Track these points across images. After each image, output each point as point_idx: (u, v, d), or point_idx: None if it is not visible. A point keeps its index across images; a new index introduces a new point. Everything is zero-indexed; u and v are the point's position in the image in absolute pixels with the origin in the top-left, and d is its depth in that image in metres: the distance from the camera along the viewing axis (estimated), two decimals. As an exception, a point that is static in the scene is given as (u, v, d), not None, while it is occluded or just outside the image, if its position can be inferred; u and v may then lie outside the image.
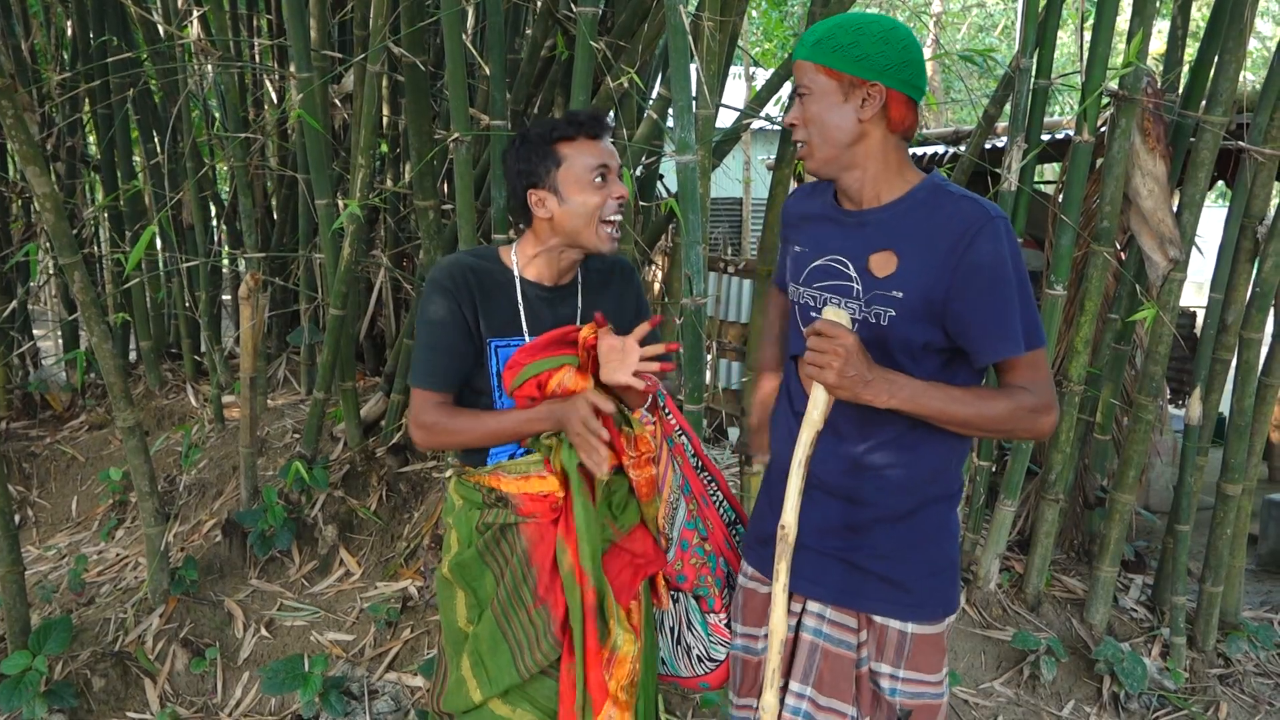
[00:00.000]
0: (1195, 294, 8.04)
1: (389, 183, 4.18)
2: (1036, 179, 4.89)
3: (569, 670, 1.85)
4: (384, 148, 4.35)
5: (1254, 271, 3.33)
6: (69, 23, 4.73)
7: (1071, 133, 3.32)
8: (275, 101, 4.52)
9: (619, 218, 1.87)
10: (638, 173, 3.41)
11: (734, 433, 5.22)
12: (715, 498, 2.00)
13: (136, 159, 4.84)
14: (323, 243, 3.58)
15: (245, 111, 4.52)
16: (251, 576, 3.37)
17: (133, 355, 5.21)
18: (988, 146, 4.62)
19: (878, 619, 1.74)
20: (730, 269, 5.65)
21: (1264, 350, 3.45)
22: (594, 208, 1.83)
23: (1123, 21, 3.62)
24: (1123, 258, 3.54)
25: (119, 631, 3.10)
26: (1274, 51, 3.25)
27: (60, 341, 5.52)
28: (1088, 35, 3.17)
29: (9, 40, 4.53)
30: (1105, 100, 3.21)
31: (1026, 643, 3.18)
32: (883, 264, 1.65)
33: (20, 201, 4.95)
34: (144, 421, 4.25)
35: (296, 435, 3.92)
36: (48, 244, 4.50)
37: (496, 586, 1.92)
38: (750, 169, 11.81)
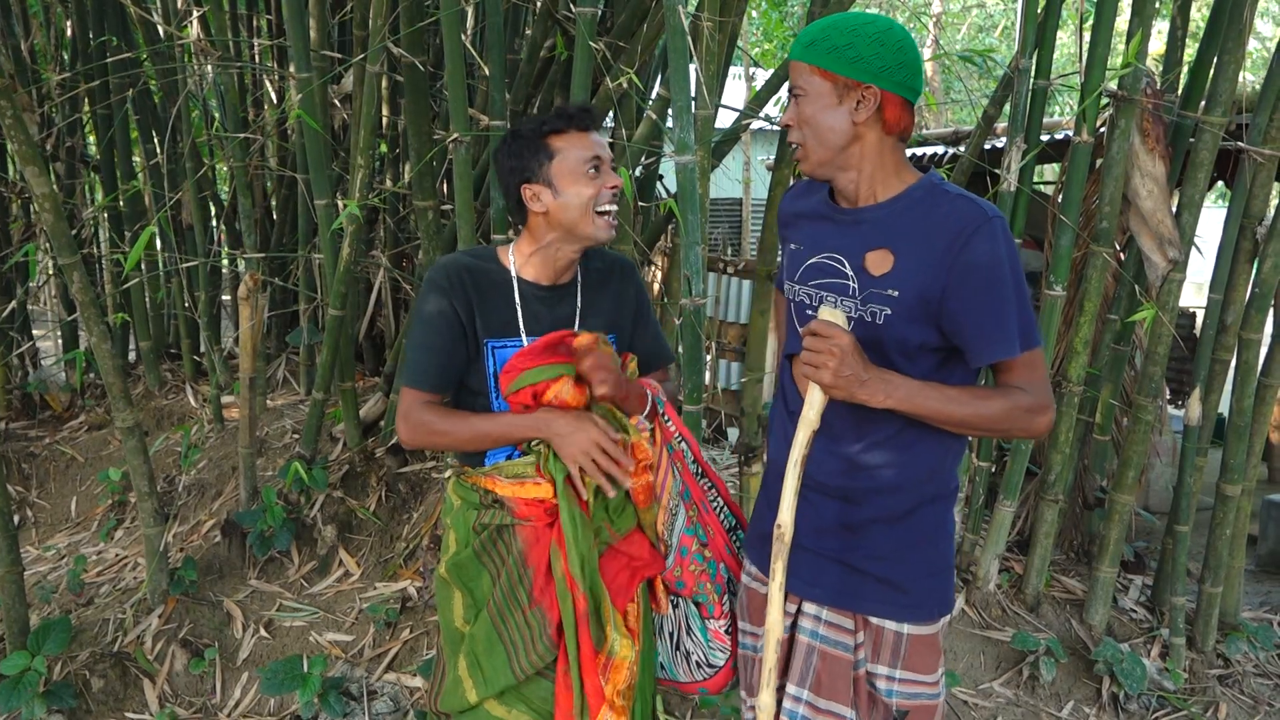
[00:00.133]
0: (1195, 294, 8.04)
1: (388, 183, 4.18)
2: (1036, 179, 4.89)
3: (565, 674, 1.85)
4: (383, 148, 4.35)
5: (1253, 272, 3.33)
6: (69, 23, 4.73)
7: (1071, 133, 3.32)
8: (275, 102, 4.52)
9: (614, 207, 1.87)
10: (637, 173, 3.40)
11: (733, 433, 5.22)
12: (715, 504, 2.00)
13: (136, 159, 4.84)
14: (322, 243, 3.58)
15: (245, 112, 4.52)
16: (250, 577, 3.36)
17: (132, 355, 5.21)
18: (987, 147, 4.62)
19: (874, 620, 1.74)
20: (730, 269, 5.65)
21: (1263, 351, 3.45)
22: (589, 198, 1.84)
23: (1122, 22, 3.62)
24: (1122, 258, 3.54)
25: (118, 632, 3.10)
26: (1273, 52, 3.25)
27: (60, 342, 5.52)
28: (1087, 36, 3.17)
29: (9, 40, 4.53)
30: (1105, 101, 3.21)
31: (1026, 643, 3.18)
32: (879, 262, 1.64)
33: (20, 201, 4.95)
34: (143, 422, 4.25)
35: (296, 436, 3.92)
36: (47, 244, 4.50)
37: (493, 587, 1.91)
38: (750, 169, 11.81)
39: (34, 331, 5.34)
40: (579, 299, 1.96)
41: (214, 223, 4.88)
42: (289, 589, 3.33)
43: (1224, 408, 3.59)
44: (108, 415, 4.55)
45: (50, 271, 5.22)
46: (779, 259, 1.93)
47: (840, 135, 1.64)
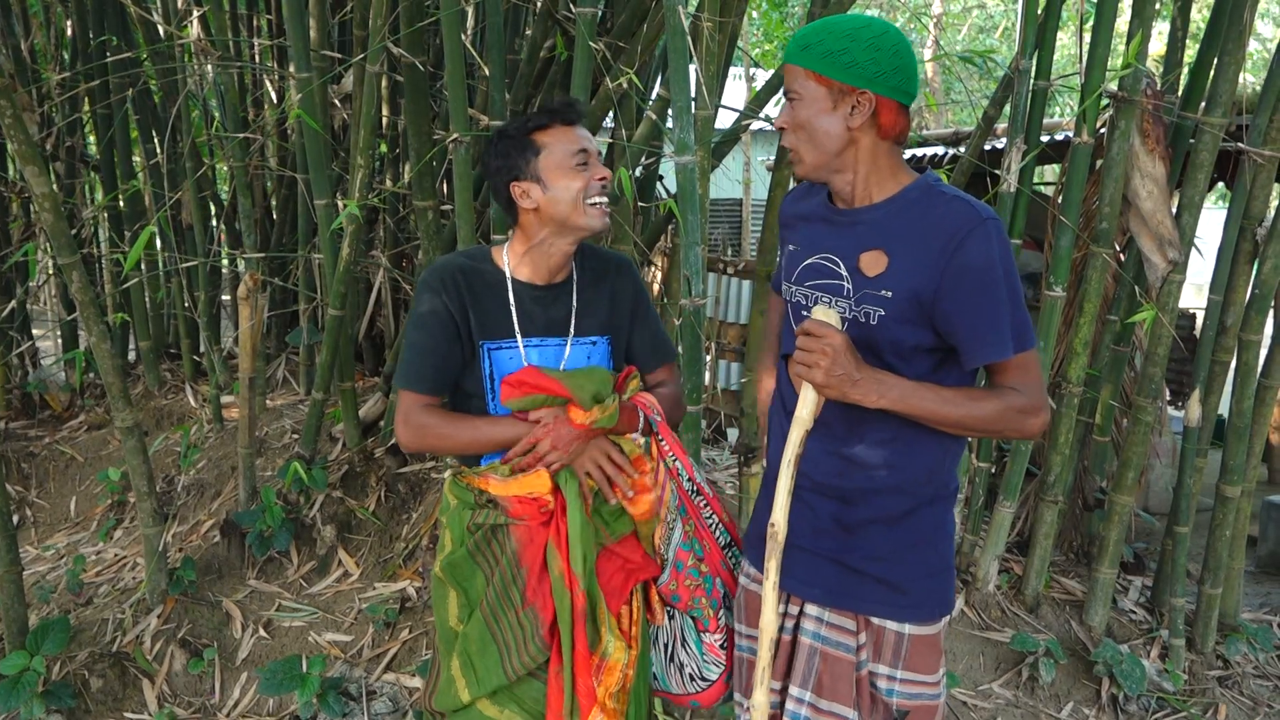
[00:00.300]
0: (1194, 296, 8.04)
1: (388, 183, 4.18)
2: (1036, 180, 4.88)
3: (557, 674, 1.85)
4: (383, 148, 4.35)
5: (1253, 273, 3.33)
6: (69, 22, 4.73)
7: (1071, 134, 3.32)
8: (275, 101, 4.52)
9: (604, 199, 1.87)
10: (637, 173, 3.40)
11: (733, 434, 5.21)
12: (710, 520, 1.99)
13: (136, 159, 4.84)
14: (322, 243, 3.58)
15: (245, 111, 4.52)
16: (250, 577, 3.36)
17: (132, 355, 5.21)
18: (987, 148, 4.62)
19: (875, 620, 1.74)
20: (729, 270, 5.65)
21: (1263, 352, 3.45)
22: (578, 191, 1.84)
23: (1122, 23, 3.62)
24: (1122, 259, 3.54)
25: (117, 632, 3.10)
26: (1273, 53, 3.25)
27: (59, 341, 5.52)
28: (1087, 37, 3.17)
29: (9, 40, 4.53)
30: (1105, 102, 3.21)
31: (1025, 644, 3.18)
32: (873, 263, 1.64)
33: (20, 201, 4.95)
34: (143, 422, 4.26)
35: (295, 435, 3.91)
36: (47, 244, 4.50)
37: (486, 587, 1.92)
38: (750, 170, 11.81)
39: (34, 331, 5.34)
40: (574, 299, 1.95)
41: (214, 222, 4.88)
42: (288, 589, 3.32)
43: (1224, 409, 3.59)
44: (107, 415, 4.55)
45: (50, 271, 5.22)
46: (779, 260, 1.93)
47: (835, 140, 1.63)
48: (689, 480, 1.97)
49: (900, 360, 1.64)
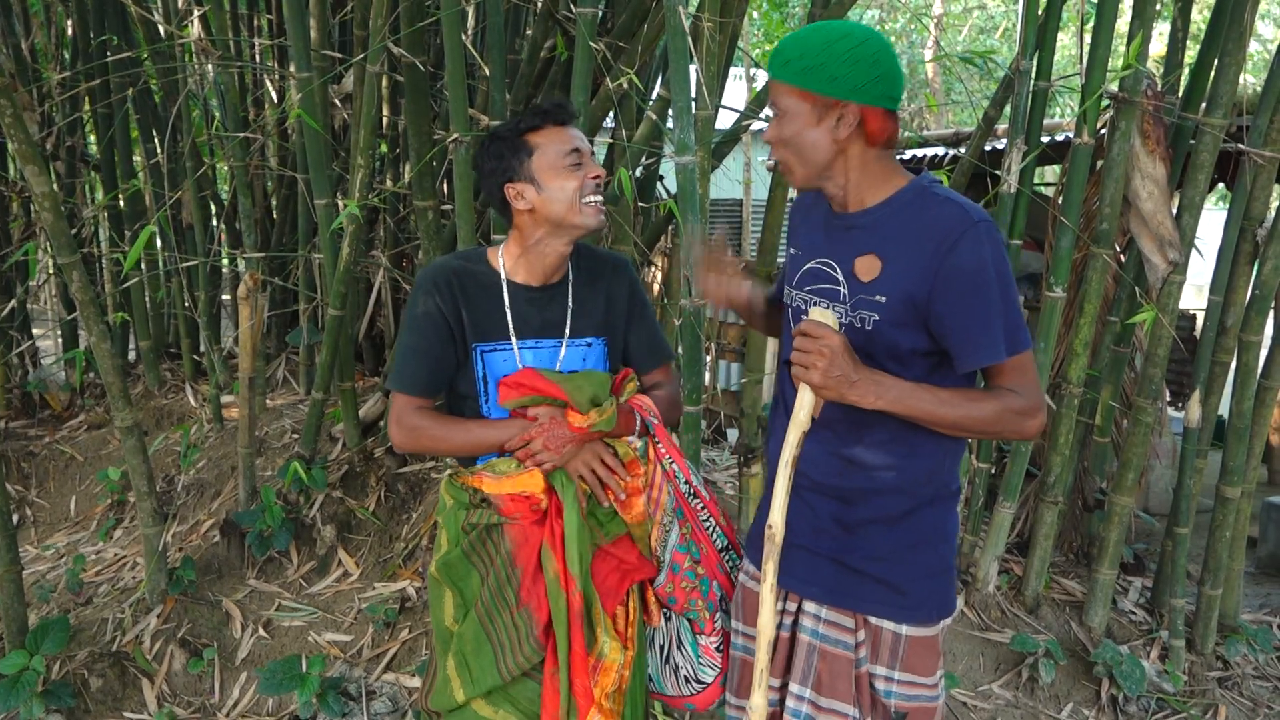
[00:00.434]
0: (1195, 296, 8.04)
1: (388, 183, 4.18)
2: (1036, 181, 4.88)
3: (552, 675, 1.85)
4: (383, 148, 4.35)
5: (1253, 274, 3.33)
6: (69, 22, 4.73)
7: (1071, 135, 3.32)
8: (275, 101, 4.52)
9: (599, 197, 1.87)
10: (637, 174, 3.40)
11: (733, 434, 5.21)
12: (707, 523, 1.99)
13: (136, 158, 4.84)
14: (322, 243, 3.58)
15: (245, 111, 4.52)
16: (249, 577, 3.36)
17: (132, 355, 5.21)
18: (988, 148, 4.62)
19: (873, 620, 1.74)
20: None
21: (1263, 353, 3.45)
22: (572, 191, 1.84)
23: (1123, 24, 3.62)
24: (1122, 260, 3.54)
25: (116, 631, 3.10)
26: (1274, 54, 3.25)
27: (59, 341, 5.52)
28: (1088, 38, 3.17)
29: (9, 39, 4.53)
30: (1105, 102, 3.20)
31: (1025, 645, 3.18)
32: (867, 268, 1.65)
33: (20, 200, 4.95)
34: (143, 421, 4.26)
35: (295, 435, 3.91)
36: (47, 243, 4.50)
37: (481, 587, 1.92)
38: (750, 170, 11.81)
39: (34, 330, 5.34)
40: (570, 299, 1.95)
41: (214, 222, 4.88)
42: (288, 589, 3.32)
43: (1224, 410, 3.59)
44: (107, 414, 4.55)
45: (50, 270, 5.22)
46: (779, 260, 1.93)
47: (823, 152, 1.63)
48: (685, 483, 1.96)
49: (897, 364, 1.64)
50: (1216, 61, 3.15)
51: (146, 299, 4.69)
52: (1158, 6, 3.28)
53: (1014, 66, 3.22)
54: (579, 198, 1.84)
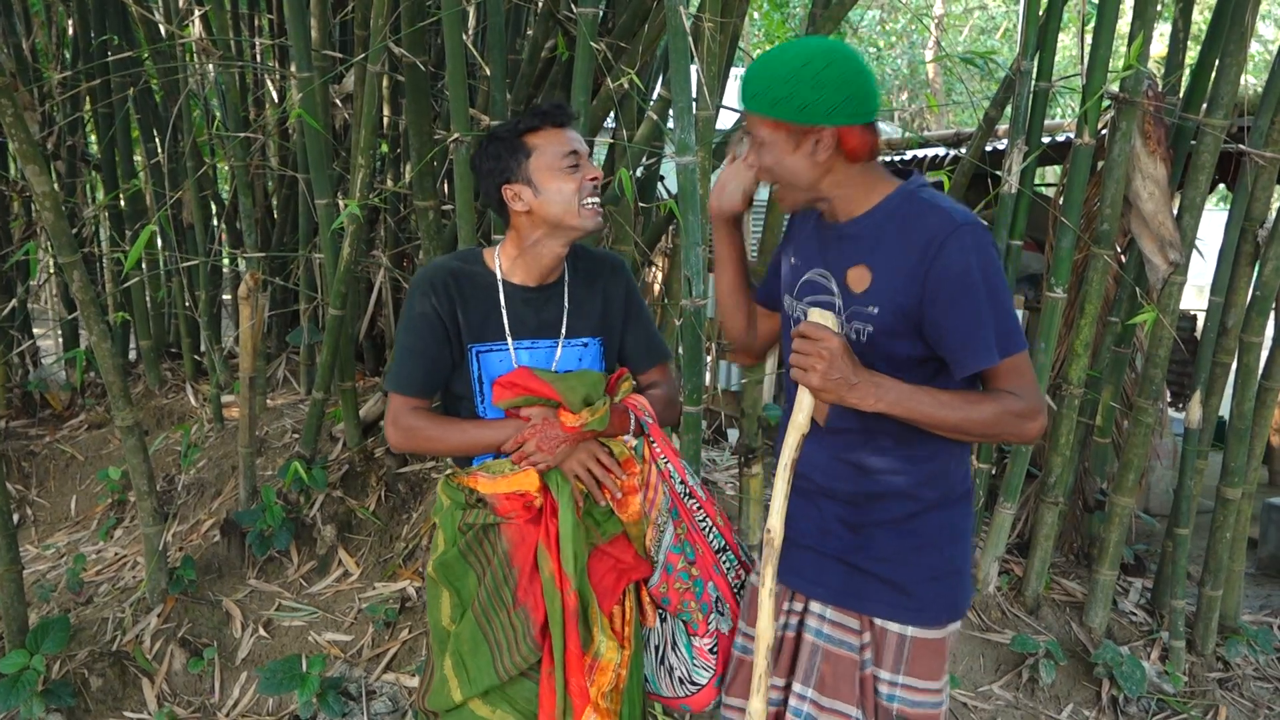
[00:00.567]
0: (1195, 297, 8.02)
1: (389, 183, 4.18)
2: (1037, 181, 4.88)
3: (549, 675, 1.86)
4: (384, 148, 4.35)
5: (1254, 275, 3.33)
6: (70, 21, 4.73)
7: (1072, 135, 3.32)
8: (276, 101, 4.52)
9: (596, 199, 1.87)
10: (638, 174, 3.40)
11: (733, 434, 5.21)
12: (704, 524, 1.99)
13: (137, 158, 4.84)
14: (322, 243, 3.58)
15: (246, 111, 4.52)
16: (250, 576, 3.36)
17: (132, 354, 5.21)
18: (988, 149, 4.62)
19: (878, 621, 1.73)
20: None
21: (1264, 354, 3.45)
22: (570, 193, 1.84)
23: (1124, 24, 3.62)
24: (1123, 260, 3.54)
25: (117, 631, 3.10)
26: (1275, 55, 3.25)
27: (60, 340, 5.52)
28: (1089, 38, 3.17)
29: (10, 39, 4.53)
30: (1106, 103, 3.20)
31: (1025, 646, 3.18)
32: (858, 279, 1.65)
33: (20, 200, 4.95)
34: (143, 421, 4.25)
35: (295, 435, 3.91)
36: (47, 243, 4.50)
37: (478, 587, 1.92)
38: (751, 170, 11.79)
39: (34, 330, 5.34)
40: (566, 299, 1.95)
41: (215, 222, 4.87)
42: (288, 589, 3.32)
43: (1225, 411, 3.59)
44: (108, 414, 4.55)
45: (51, 270, 5.22)
46: (772, 264, 1.93)
47: (805, 176, 1.64)
48: (681, 483, 1.96)
49: (896, 373, 1.63)
50: (1217, 62, 3.15)
51: (147, 298, 4.69)
52: (1158, 7, 3.28)
53: (1015, 67, 3.22)
54: (576, 200, 1.84)
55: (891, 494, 1.71)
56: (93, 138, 4.99)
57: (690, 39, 2.46)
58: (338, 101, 4.09)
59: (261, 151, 4.57)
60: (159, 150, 4.48)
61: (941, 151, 6.21)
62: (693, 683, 1.99)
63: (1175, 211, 3.26)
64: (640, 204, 3.53)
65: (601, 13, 3.30)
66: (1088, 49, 3.16)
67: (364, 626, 3.16)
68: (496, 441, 1.87)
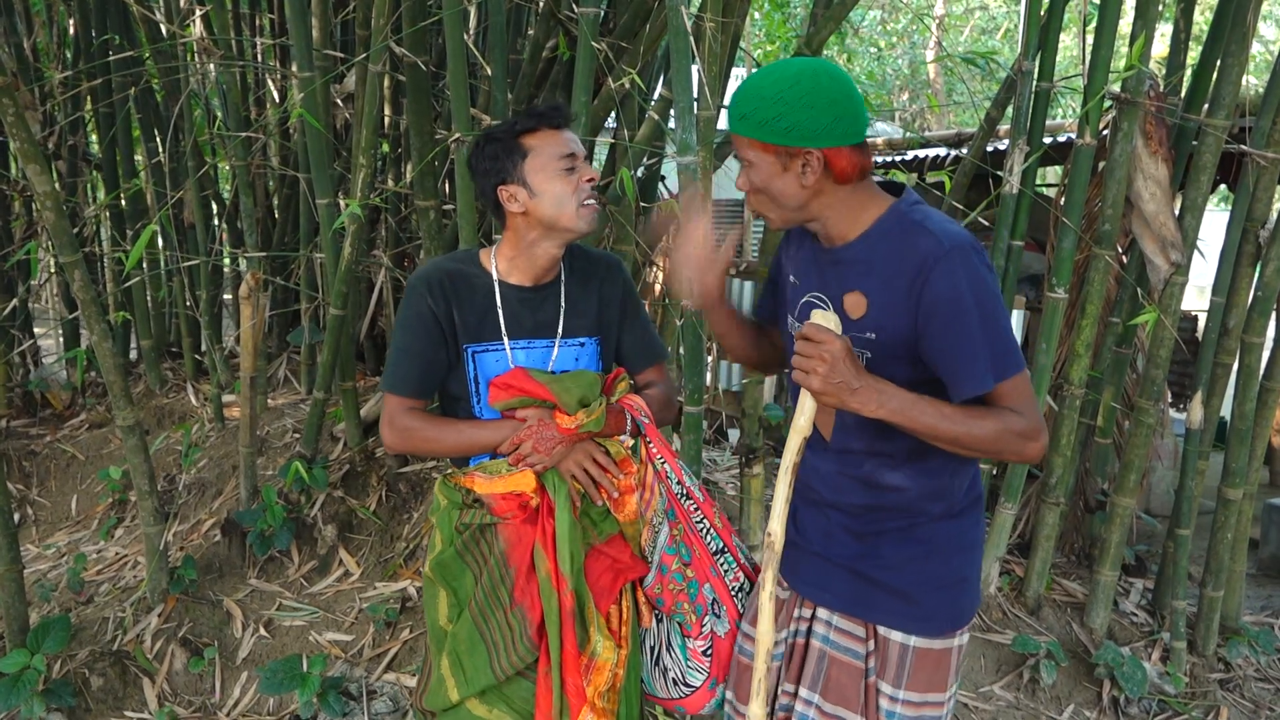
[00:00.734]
0: (1197, 298, 8.03)
1: (390, 182, 4.18)
2: (1038, 182, 4.88)
3: (546, 674, 1.86)
4: (385, 147, 4.35)
5: (1256, 275, 3.33)
6: (71, 21, 4.74)
7: (1073, 135, 3.32)
8: (277, 101, 4.52)
9: (592, 201, 1.87)
10: (639, 174, 3.40)
11: (734, 434, 5.21)
12: (700, 525, 1.98)
13: (138, 158, 4.84)
14: (324, 242, 3.58)
15: (247, 111, 4.52)
16: (250, 576, 3.36)
17: (133, 354, 5.21)
18: (990, 149, 4.62)
19: (881, 630, 1.73)
20: (731, 270, 5.64)
21: (1265, 354, 3.45)
22: (565, 194, 1.84)
23: (1125, 25, 3.62)
24: (1124, 261, 3.54)
25: (117, 630, 3.10)
26: (1276, 55, 3.25)
27: (61, 340, 5.52)
28: (1090, 38, 3.17)
29: (11, 38, 4.53)
30: (1107, 103, 3.20)
31: (1026, 646, 3.17)
32: (854, 305, 1.64)
33: (22, 199, 4.95)
34: (144, 420, 4.25)
35: (296, 435, 3.91)
36: (48, 242, 4.50)
37: (475, 587, 1.92)
38: (752, 171, 11.79)
39: (35, 329, 5.34)
40: (562, 299, 1.95)
41: (216, 221, 4.88)
42: (289, 588, 3.32)
43: (1226, 411, 3.59)
44: (108, 413, 4.55)
45: (52, 269, 5.22)
46: (768, 283, 1.91)
47: (795, 198, 1.62)
48: (678, 483, 1.96)
49: None
50: (1219, 63, 3.15)
51: (148, 298, 4.69)
52: (1160, 7, 3.28)
53: (1016, 67, 3.22)
54: (572, 201, 1.84)
55: (898, 508, 1.70)
56: (94, 137, 4.99)
57: (691, 39, 2.46)
58: (339, 101, 4.09)
59: (263, 151, 4.57)
60: (160, 150, 4.48)
61: (943, 152, 6.21)
62: (686, 684, 1.99)
63: (1177, 212, 3.26)
64: (642, 204, 3.53)
65: (603, 12, 3.30)
66: (1089, 49, 3.16)
67: (365, 626, 3.16)
68: (492, 442, 1.87)
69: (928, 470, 1.69)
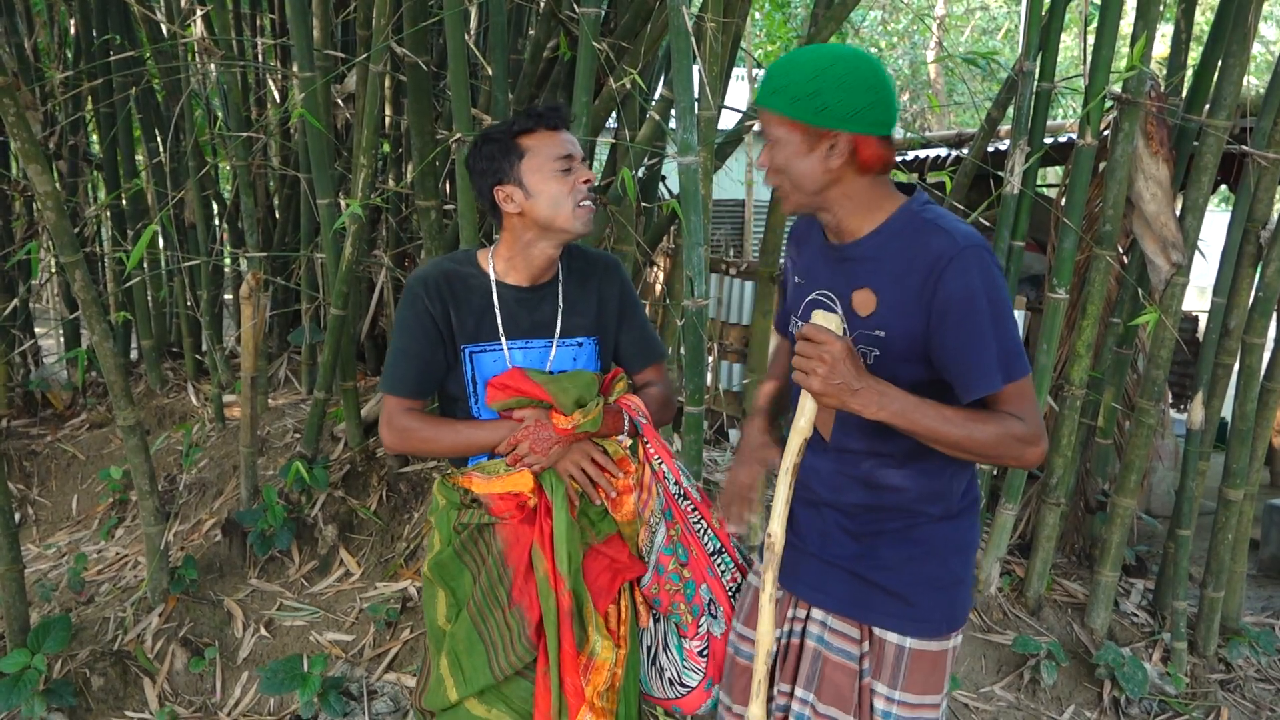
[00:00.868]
0: (1198, 298, 8.03)
1: (391, 182, 4.18)
2: (1039, 182, 4.88)
3: (544, 674, 1.86)
4: (386, 147, 4.35)
5: (1257, 276, 3.33)
6: (72, 21, 4.73)
7: (1074, 136, 3.32)
8: (278, 101, 4.52)
9: (588, 202, 1.87)
10: (640, 174, 3.40)
11: (734, 435, 5.21)
12: (698, 526, 1.98)
13: (139, 157, 4.84)
14: (324, 242, 3.58)
15: (248, 111, 4.52)
16: (251, 576, 3.36)
17: (134, 354, 5.21)
18: (991, 149, 4.62)
19: (877, 631, 1.72)
20: (732, 271, 5.65)
21: (1266, 355, 3.45)
22: (561, 195, 1.84)
23: (1126, 25, 3.62)
24: (1125, 261, 3.54)
25: (118, 630, 3.10)
26: (1277, 56, 3.24)
27: (61, 340, 5.52)
28: (1091, 39, 3.17)
29: (12, 38, 4.53)
30: (1108, 104, 3.20)
31: (1027, 647, 3.17)
32: (864, 303, 1.63)
33: (22, 199, 4.95)
34: (145, 420, 4.25)
35: (297, 435, 3.91)
36: (49, 242, 4.50)
37: (473, 586, 1.93)
38: (752, 171, 11.81)
39: (36, 329, 5.34)
40: (560, 299, 1.95)
41: (216, 221, 4.87)
42: (289, 588, 3.32)
43: (1227, 412, 3.59)
44: (109, 413, 4.55)
45: (52, 269, 5.22)
46: (782, 288, 1.91)
47: (815, 180, 1.61)
48: (675, 484, 1.96)
49: None
50: (1220, 63, 3.15)
51: (149, 298, 4.69)
52: (1161, 8, 3.28)
53: (1017, 68, 3.22)
54: (568, 202, 1.84)
55: (894, 509, 1.70)
56: (94, 137, 4.99)
57: (692, 39, 2.46)
58: (340, 101, 4.09)
59: (263, 151, 4.57)
60: (161, 150, 4.48)
61: (943, 152, 6.21)
62: (683, 684, 1.99)
63: (1178, 212, 3.25)
64: (642, 204, 3.53)
65: (604, 13, 3.30)
66: (1090, 50, 3.16)
67: (365, 626, 3.16)
68: (490, 443, 1.88)
69: (927, 471, 1.69)
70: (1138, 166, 3.18)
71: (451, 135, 2.96)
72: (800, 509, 1.80)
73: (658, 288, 5.34)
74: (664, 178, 3.89)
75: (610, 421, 1.89)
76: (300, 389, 4.45)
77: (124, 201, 4.67)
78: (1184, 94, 3.38)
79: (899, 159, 6.76)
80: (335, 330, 3.49)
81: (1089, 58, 3.14)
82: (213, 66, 4.00)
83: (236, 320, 4.48)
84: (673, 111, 2.65)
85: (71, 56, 4.79)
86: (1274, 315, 3.46)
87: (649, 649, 2.03)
